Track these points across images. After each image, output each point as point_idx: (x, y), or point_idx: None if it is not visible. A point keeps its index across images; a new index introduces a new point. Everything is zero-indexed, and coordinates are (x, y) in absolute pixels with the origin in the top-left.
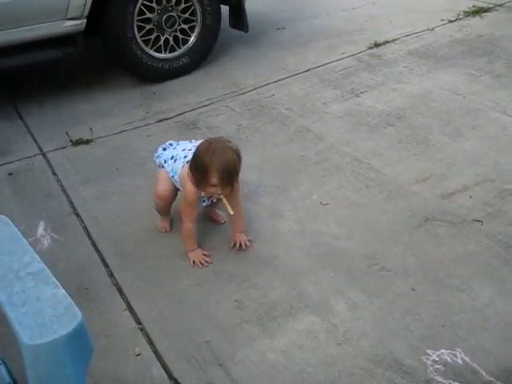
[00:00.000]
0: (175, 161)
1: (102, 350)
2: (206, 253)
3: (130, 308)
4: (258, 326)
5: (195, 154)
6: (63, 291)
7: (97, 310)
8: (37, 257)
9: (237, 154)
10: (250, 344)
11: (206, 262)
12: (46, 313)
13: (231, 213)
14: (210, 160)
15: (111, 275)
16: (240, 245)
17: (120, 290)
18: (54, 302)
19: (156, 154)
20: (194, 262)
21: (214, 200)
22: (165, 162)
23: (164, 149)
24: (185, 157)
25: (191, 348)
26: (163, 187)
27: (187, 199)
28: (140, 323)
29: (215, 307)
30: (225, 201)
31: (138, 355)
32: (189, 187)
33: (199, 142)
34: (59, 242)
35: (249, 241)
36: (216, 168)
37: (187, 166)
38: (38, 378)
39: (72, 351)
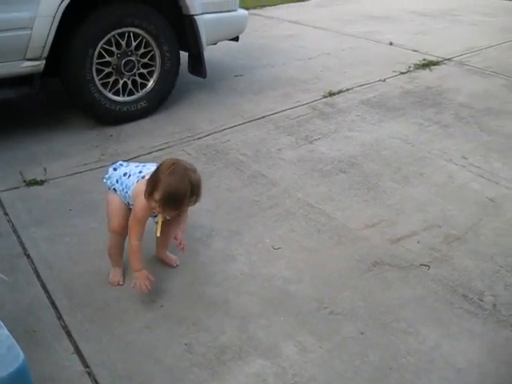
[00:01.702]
0: (129, 176)
1: None
2: (150, 277)
3: (77, 351)
4: (208, 370)
5: (157, 167)
6: (6, 332)
7: (44, 353)
8: None
9: (193, 186)
10: None
11: (147, 287)
12: None
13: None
14: (163, 179)
15: (60, 317)
16: (180, 244)
17: (68, 333)
18: None
19: (106, 176)
20: (135, 283)
21: (168, 217)
22: (117, 181)
23: (115, 169)
24: (140, 172)
25: None
26: (117, 221)
27: (136, 214)
28: (88, 367)
29: (164, 351)
30: (159, 221)
31: None
32: (141, 202)
33: (148, 164)
34: (7, 283)
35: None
36: (163, 189)
37: (142, 181)
38: None
39: None
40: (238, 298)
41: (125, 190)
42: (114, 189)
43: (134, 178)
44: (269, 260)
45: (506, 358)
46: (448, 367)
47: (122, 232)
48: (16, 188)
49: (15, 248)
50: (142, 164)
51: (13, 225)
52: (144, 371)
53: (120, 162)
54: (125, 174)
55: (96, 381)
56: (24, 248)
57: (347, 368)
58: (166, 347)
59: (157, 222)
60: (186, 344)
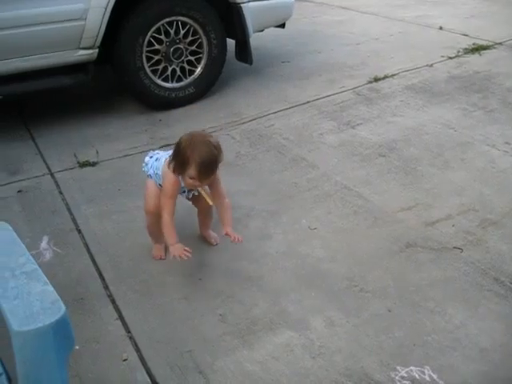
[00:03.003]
0: (158, 160)
1: (91, 354)
2: (187, 248)
3: (121, 317)
4: (239, 339)
5: (177, 145)
6: (51, 288)
7: (90, 319)
8: (31, 258)
9: (217, 149)
10: (229, 354)
11: (187, 255)
12: (34, 305)
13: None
14: (191, 153)
15: (106, 287)
16: (234, 238)
17: (113, 301)
18: (43, 296)
19: (144, 164)
20: (174, 256)
21: (196, 193)
22: (151, 167)
23: (150, 156)
24: (167, 154)
25: (174, 356)
26: (152, 203)
27: (167, 190)
28: (129, 332)
29: (200, 320)
30: (203, 193)
31: (124, 360)
32: (169, 178)
33: None
34: (60, 256)
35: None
36: (195, 162)
37: (169, 158)
38: (24, 362)
39: (55, 339)
40: (272, 274)
41: (155, 172)
42: (150, 175)
43: (162, 160)
44: (304, 239)
45: None
46: (472, 346)
47: (156, 211)
48: (70, 169)
49: (68, 224)
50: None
51: (66, 203)
52: (180, 337)
53: (157, 151)
54: (156, 159)
55: (136, 344)
56: (76, 224)
57: (372, 342)
58: (201, 317)
59: (197, 194)
60: (220, 314)
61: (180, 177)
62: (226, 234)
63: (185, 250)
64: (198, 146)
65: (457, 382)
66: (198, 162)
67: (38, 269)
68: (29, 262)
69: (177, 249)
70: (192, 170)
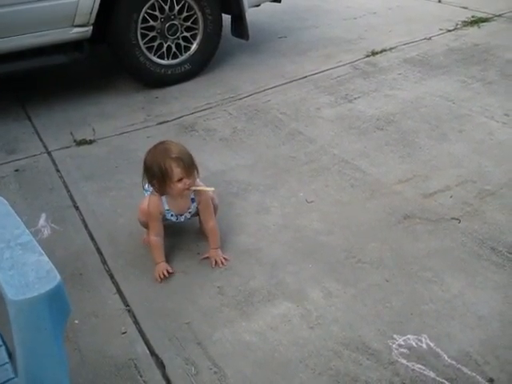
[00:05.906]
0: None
1: (91, 328)
2: (169, 269)
3: (119, 291)
4: (237, 310)
5: (146, 165)
6: (46, 258)
7: (89, 293)
8: (26, 230)
9: (178, 143)
10: (227, 325)
11: (165, 276)
12: (29, 275)
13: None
14: (162, 159)
15: (104, 262)
16: (216, 262)
17: (111, 276)
18: (38, 266)
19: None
20: (156, 273)
21: (188, 216)
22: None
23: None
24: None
25: (173, 328)
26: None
27: (150, 213)
28: (128, 305)
29: (198, 292)
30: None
31: (123, 333)
32: (151, 201)
33: None
34: (58, 232)
35: (225, 259)
36: (172, 160)
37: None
38: (20, 330)
39: (50, 308)
40: (269, 246)
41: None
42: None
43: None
44: (302, 212)
45: None
46: (469, 314)
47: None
48: (67, 147)
49: (66, 201)
50: None
51: (64, 180)
52: (178, 310)
53: None
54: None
55: (135, 317)
56: (73, 201)
57: (369, 312)
58: (199, 289)
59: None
60: (218, 287)
61: (165, 198)
62: (208, 258)
63: (166, 271)
64: (165, 149)
65: (454, 349)
66: (173, 157)
67: (32, 240)
68: (24, 234)
69: (159, 267)
70: (174, 169)
